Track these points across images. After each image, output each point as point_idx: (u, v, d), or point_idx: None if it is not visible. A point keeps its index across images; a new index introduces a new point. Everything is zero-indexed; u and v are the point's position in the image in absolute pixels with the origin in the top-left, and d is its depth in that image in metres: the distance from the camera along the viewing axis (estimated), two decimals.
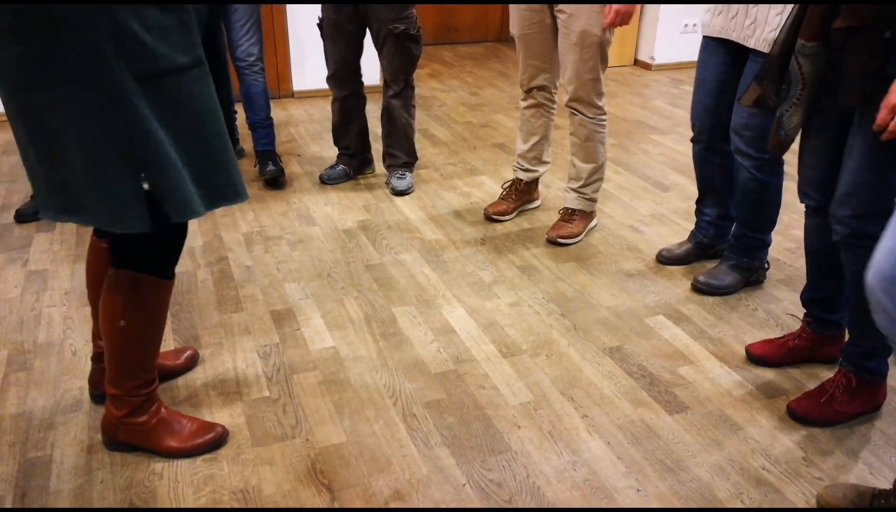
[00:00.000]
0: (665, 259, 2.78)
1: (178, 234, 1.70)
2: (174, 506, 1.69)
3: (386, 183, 3.43)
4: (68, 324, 2.34)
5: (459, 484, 1.76)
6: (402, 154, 3.38)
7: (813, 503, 1.71)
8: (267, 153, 3.43)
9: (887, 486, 1.77)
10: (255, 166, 3.51)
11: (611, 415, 1.99)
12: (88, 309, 2.41)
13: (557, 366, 2.19)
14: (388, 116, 3.31)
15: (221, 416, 1.96)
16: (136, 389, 1.76)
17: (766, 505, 1.71)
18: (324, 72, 3.33)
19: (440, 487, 1.75)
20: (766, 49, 2.14)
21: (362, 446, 1.87)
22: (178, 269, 2.68)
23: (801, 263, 2.74)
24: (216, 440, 1.85)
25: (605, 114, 2.79)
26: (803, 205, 2.04)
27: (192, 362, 2.15)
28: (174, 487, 1.74)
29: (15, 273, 2.63)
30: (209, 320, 2.38)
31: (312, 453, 1.85)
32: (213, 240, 2.91)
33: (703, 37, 2.43)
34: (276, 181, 3.40)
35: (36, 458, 1.82)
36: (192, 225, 3.01)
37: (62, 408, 1.98)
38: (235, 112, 3.59)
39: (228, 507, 1.69)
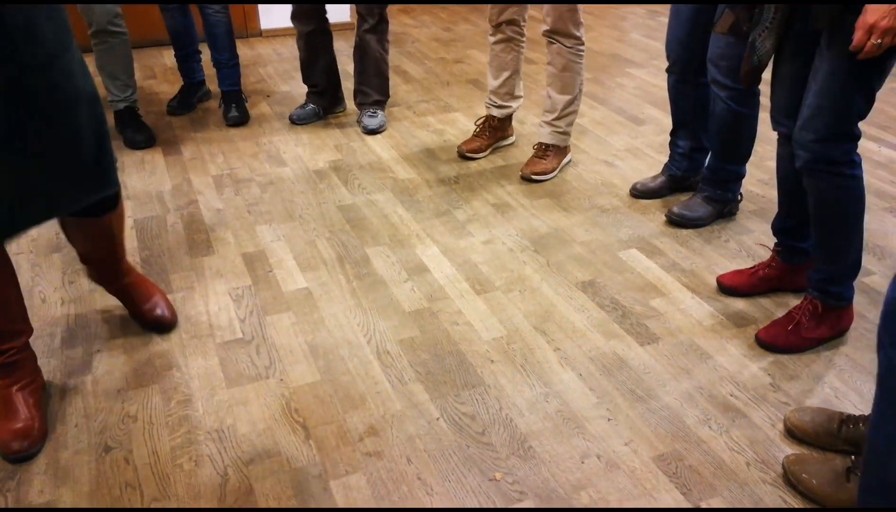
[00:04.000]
0: (639, 192, 2.77)
1: None
2: (149, 447, 1.69)
3: (357, 121, 3.37)
4: (37, 271, 2.30)
5: (433, 418, 1.78)
6: (374, 92, 3.31)
7: (780, 427, 1.75)
8: (232, 93, 3.35)
9: (853, 409, 1.81)
10: (219, 107, 3.43)
11: (583, 347, 2.01)
12: (56, 255, 2.38)
13: (530, 301, 2.20)
14: (361, 52, 3.23)
15: (194, 358, 1.96)
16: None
17: (733, 429, 1.74)
18: (290, 9, 3.24)
19: (414, 422, 1.76)
20: None
21: (336, 384, 1.88)
22: (148, 213, 2.64)
23: (773, 194, 2.75)
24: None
25: (583, 44, 2.75)
26: (776, 134, 2.04)
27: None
28: (149, 429, 1.74)
29: None
30: (180, 264, 2.36)
31: (287, 393, 1.85)
32: (182, 183, 2.86)
33: None
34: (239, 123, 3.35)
35: None
36: (161, 169, 2.96)
37: None
38: (199, 52, 3.49)
39: (216, 504, 1.70)
